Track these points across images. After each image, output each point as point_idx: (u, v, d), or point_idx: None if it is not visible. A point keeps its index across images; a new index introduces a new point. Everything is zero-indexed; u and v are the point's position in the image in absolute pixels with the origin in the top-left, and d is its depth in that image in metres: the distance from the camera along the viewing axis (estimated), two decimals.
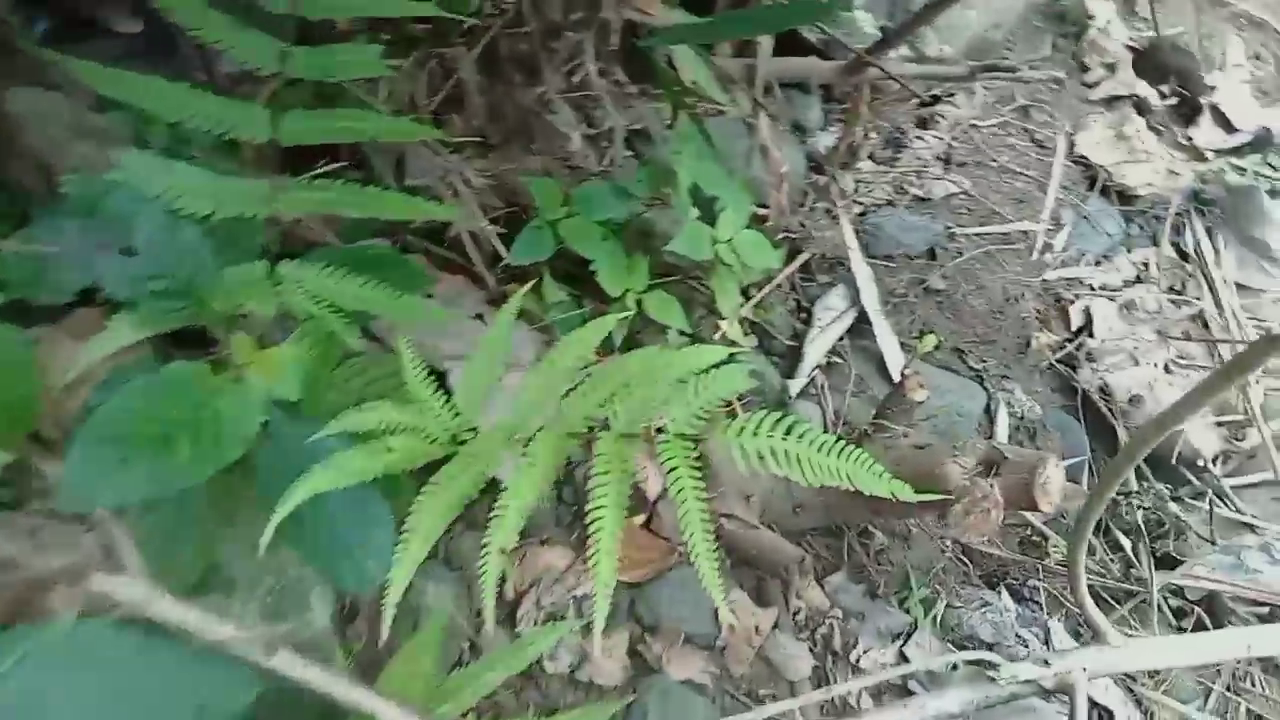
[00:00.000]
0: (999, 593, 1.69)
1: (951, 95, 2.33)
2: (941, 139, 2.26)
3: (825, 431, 1.87)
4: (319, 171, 1.09)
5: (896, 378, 1.78)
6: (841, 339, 1.97)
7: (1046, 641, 1.63)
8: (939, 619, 1.61)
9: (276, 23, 0.93)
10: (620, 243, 1.65)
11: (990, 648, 1.56)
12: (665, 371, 0.88)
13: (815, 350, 1.91)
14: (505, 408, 0.95)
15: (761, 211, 1.92)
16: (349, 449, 0.89)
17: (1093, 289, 2.15)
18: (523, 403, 0.93)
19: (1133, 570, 1.77)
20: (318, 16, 0.94)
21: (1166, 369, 2.05)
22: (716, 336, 1.82)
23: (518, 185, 1.55)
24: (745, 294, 1.93)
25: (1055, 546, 1.78)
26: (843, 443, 0.92)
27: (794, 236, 2.06)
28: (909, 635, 1.57)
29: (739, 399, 1.90)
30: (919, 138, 2.25)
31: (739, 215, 1.71)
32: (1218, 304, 2.18)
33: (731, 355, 0.94)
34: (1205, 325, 2.15)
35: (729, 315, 1.76)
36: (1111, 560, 1.80)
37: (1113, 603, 1.75)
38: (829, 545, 1.66)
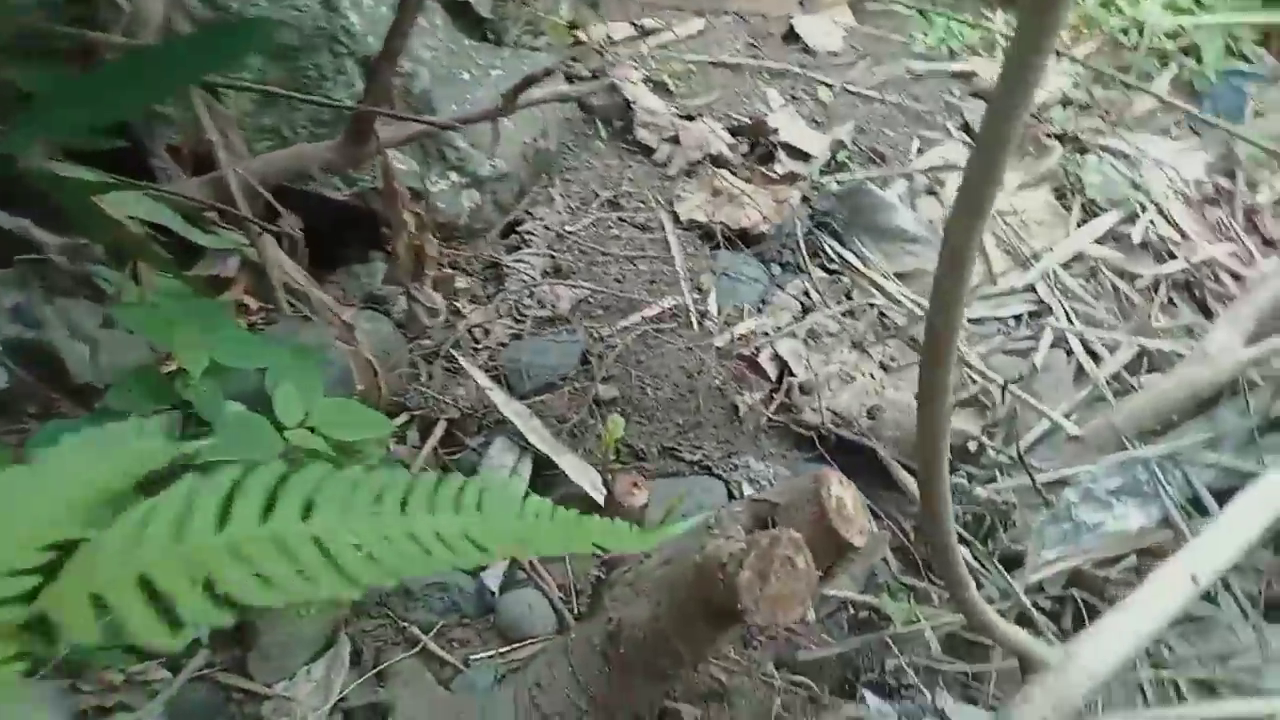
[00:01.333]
0: (863, 700, 1.22)
1: (530, 214, 2.05)
2: (540, 255, 1.95)
3: (560, 623, 1.35)
4: None
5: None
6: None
7: None
8: None
9: None
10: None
11: None
12: None
13: None
14: None
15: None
16: None
17: (769, 334, 1.87)
18: None
19: (983, 588, 1.38)
20: None
21: (884, 369, 1.78)
22: None
23: None
24: None
25: (889, 613, 1.36)
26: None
27: (419, 411, 1.60)
28: None
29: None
30: (517, 261, 1.92)
31: (308, 387, 1.22)
32: (890, 298, 1.99)
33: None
34: (891, 322, 1.94)
35: None
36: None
37: (983, 642, 1.34)
38: None
